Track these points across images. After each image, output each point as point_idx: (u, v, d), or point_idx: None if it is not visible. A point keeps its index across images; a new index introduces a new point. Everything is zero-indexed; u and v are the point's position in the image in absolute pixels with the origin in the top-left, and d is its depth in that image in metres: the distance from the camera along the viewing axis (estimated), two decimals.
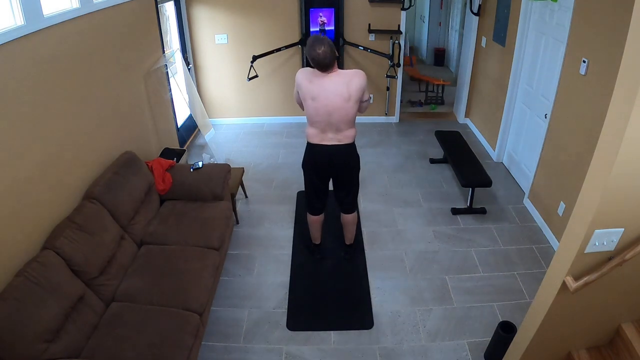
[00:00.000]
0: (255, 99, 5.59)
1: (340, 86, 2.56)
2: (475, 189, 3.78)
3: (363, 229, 3.63)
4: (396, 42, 5.14)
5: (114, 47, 3.16)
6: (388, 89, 5.51)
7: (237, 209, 3.83)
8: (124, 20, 3.34)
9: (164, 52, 4.17)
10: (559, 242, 2.28)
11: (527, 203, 3.92)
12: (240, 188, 3.93)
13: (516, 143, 4.37)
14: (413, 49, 8.92)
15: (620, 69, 1.38)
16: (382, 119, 5.76)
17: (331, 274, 3.20)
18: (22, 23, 2.12)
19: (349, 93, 2.57)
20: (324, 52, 2.45)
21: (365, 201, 4.02)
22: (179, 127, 4.83)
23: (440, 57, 8.31)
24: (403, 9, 4.97)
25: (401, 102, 5.75)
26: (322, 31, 5.07)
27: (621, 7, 2.54)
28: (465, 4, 5.72)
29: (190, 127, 5.23)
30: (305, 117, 2.75)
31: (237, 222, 3.71)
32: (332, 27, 5.07)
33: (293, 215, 3.83)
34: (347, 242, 3.30)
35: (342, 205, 3.10)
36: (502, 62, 4.48)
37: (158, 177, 3.21)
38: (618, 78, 1.40)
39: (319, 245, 3.33)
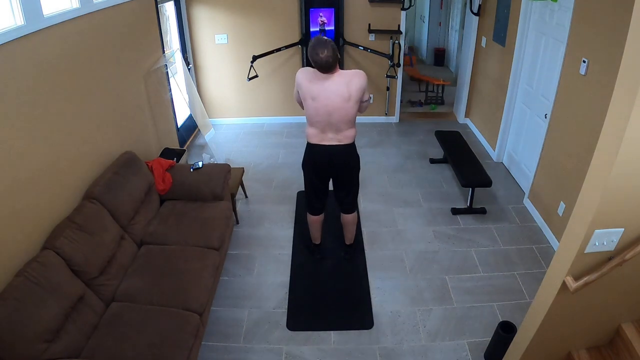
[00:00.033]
0: (255, 99, 5.59)
1: (341, 86, 2.56)
2: (475, 189, 3.78)
3: (363, 229, 3.63)
4: (396, 42, 5.14)
5: (114, 47, 3.16)
6: (388, 89, 5.51)
7: (237, 209, 3.83)
8: (124, 20, 3.34)
9: (164, 52, 4.17)
10: (559, 242, 2.28)
11: (527, 203, 3.92)
12: (240, 188, 3.93)
13: (516, 143, 4.37)
14: (413, 49, 8.92)
15: (620, 69, 1.38)
16: (382, 119, 5.77)
17: (331, 274, 3.20)
18: (22, 23, 2.12)
19: (349, 93, 2.57)
20: (327, 56, 2.45)
21: (365, 201, 4.02)
22: (179, 127, 4.83)
23: (440, 57, 8.31)
24: (403, 9, 4.97)
25: (401, 102, 5.75)
26: (322, 31, 5.07)
27: (621, 7, 2.54)
28: (465, 4, 5.72)
29: (190, 127, 5.23)
30: (305, 117, 2.75)
31: (237, 222, 3.71)
32: (332, 27, 5.07)
33: (293, 215, 3.83)
34: (347, 242, 3.30)
35: (342, 206, 3.10)
36: (502, 62, 4.48)
37: (158, 177, 3.21)
38: (618, 78, 1.40)
39: (319, 245, 3.33)
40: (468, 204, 3.83)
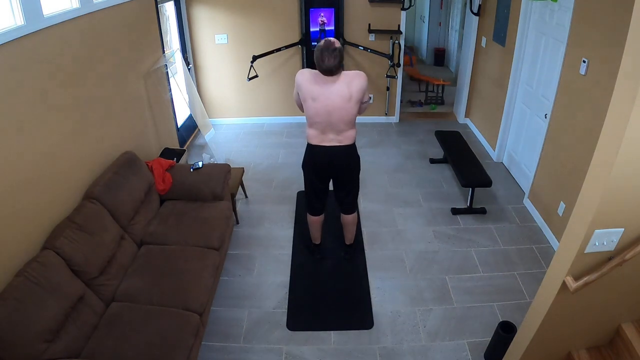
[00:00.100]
0: (255, 99, 5.59)
1: (342, 86, 2.56)
2: (475, 189, 3.78)
3: (363, 229, 3.63)
4: (396, 42, 5.14)
5: (114, 47, 3.16)
6: (388, 89, 5.51)
7: (237, 209, 3.83)
8: (124, 20, 3.34)
9: (164, 52, 4.17)
10: (559, 242, 2.28)
11: (527, 203, 3.92)
12: (240, 188, 3.93)
13: (516, 143, 4.37)
14: (413, 49, 8.92)
15: (620, 69, 1.38)
16: (382, 119, 5.76)
17: (331, 274, 3.20)
18: (22, 23, 2.12)
19: (349, 93, 2.57)
20: (332, 64, 2.47)
21: (365, 201, 4.02)
22: (179, 127, 4.83)
23: (440, 57, 8.31)
24: (403, 9, 4.97)
25: (401, 102, 5.75)
26: (322, 31, 5.07)
27: (621, 7, 2.54)
28: (465, 4, 5.72)
29: (190, 127, 5.23)
30: (305, 117, 2.75)
31: (237, 222, 3.71)
32: (332, 27, 5.07)
33: (293, 215, 3.83)
34: (347, 242, 3.30)
35: (342, 206, 3.10)
36: (502, 62, 4.48)
37: (158, 177, 3.21)
38: (618, 78, 1.40)
39: (319, 245, 3.33)
40: (468, 204, 3.83)
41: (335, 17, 5.02)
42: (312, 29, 5.07)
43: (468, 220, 3.74)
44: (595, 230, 1.58)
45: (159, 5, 4.09)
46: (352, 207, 3.11)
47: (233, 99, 5.58)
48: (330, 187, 3.03)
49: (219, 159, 4.67)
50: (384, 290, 3.03)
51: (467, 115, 5.74)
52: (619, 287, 1.81)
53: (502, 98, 4.48)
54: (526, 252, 3.37)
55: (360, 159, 2.92)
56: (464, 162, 4.01)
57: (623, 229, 1.61)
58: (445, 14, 8.09)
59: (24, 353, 1.81)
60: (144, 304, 2.34)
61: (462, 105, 5.71)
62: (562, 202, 3.30)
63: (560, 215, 3.31)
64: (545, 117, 3.58)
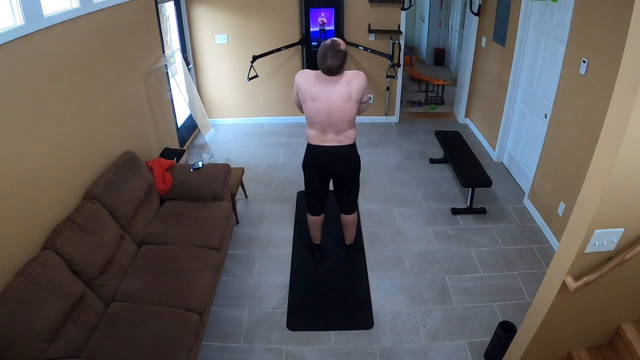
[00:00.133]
0: (255, 99, 5.59)
1: (341, 86, 2.56)
2: (475, 189, 3.78)
3: (363, 229, 3.63)
4: (396, 42, 5.14)
5: (114, 47, 3.16)
6: (388, 89, 5.51)
7: (237, 209, 3.83)
8: (124, 20, 3.34)
9: (164, 52, 4.17)
10: (559, 242, 2.28)
11: (527, 203, 3.92)
12: (240, 188, 3.93)
13: (516, 143, 4.37)
14: (413, 49, 8.92)
15: (620, 69, 1.38)
16: (382, 119, 5.76)
17: (331, 274, 3.20)
18: (22, 23, 2.12)
19: (349, 93, 2.57)
20: (333, 65, 2.48)
21: (365, 201, 4.02)
22: (179, 127, 4.83)
23: (440, 57, 8.32)
24: (403, 9, 4.97)
25: (401, 102, 5.75)
26: (322, 31, 5.07)
27: (621, 7, 2.54)
28: (465, 4, 5.72)
29: (190, 127, 5.23)
30: (305, 117, 2.75)
31: (237, 222, 3.71)
32: (332, 27, 5.07)
33: (293, 215, 3.83)
34: (347, 242, 3.30)
35: (342, 206, 3.10)
36: (502, 62, 4.48)
37: (158, 177, 3.21)
38: (618, 78, 1.40)
39: (319, 245, 3.33)
40: (468, 204, 3.83)
41: (335, 17, 5.02)
42: (312, 29, 5.06)
43: (468, 220, 3.74)
44: (595, 230, 1.58)
45: (159, 5, 4.09)
46: (352, 207, 3.11)
47: (233, 99, 5.58)
48: (331, 187, 3.03)
49: (219, 159, 4.67)
50: (384, 290, 3.03)
51: (467, 115, 5.74)
52: (619, 287, 1.81)
53: (502, 98, 4.48)
54: (526, 252, 3.37)
55: (361, 159, 2.92)
56: (464, 162, 4.01)
57: (623, 229, 1.61)
58: (445, 14, 8.09)
59: (24, 353, 1.81)
60: (144, 304, 2.34)
61: (462, 105, 5.71)
62: (562, 202, 3.30)
63: (560, 215, 3.31)
64: (545, 117, 3.58)
